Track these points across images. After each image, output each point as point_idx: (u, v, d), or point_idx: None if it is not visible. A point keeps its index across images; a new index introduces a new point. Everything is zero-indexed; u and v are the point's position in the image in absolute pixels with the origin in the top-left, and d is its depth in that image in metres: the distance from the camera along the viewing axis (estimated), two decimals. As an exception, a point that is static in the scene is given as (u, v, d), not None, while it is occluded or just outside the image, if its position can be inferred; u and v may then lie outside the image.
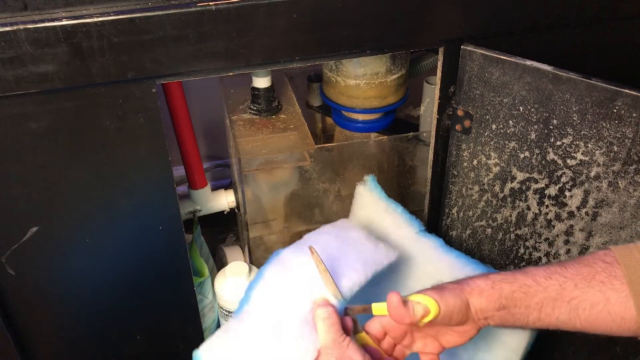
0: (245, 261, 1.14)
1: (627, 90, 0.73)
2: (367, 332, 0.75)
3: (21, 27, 0.66)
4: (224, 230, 1.40)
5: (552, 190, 0.85)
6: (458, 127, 0.90)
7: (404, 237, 0.94)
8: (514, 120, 0.84)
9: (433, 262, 0.92)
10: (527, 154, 0.85)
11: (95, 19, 0.68)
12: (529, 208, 0.88)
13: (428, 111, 1.10)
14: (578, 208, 0.83)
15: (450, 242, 0.99)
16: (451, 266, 0.90)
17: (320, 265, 0.74)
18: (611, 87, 0.74)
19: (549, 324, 0.69)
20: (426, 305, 0.68)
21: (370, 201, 0.97)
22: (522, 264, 0.93)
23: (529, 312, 0.69)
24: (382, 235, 0.94)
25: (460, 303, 0.70)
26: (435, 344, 0.75)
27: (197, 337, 1.01)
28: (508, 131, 0.85)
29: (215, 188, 1.26)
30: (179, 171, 1.17)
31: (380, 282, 0.90)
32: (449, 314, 0.69)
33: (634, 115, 0.73)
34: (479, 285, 0.71)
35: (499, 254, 0.95)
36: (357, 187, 0.99)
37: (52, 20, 0.67)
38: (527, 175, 0.86)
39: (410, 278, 0.94)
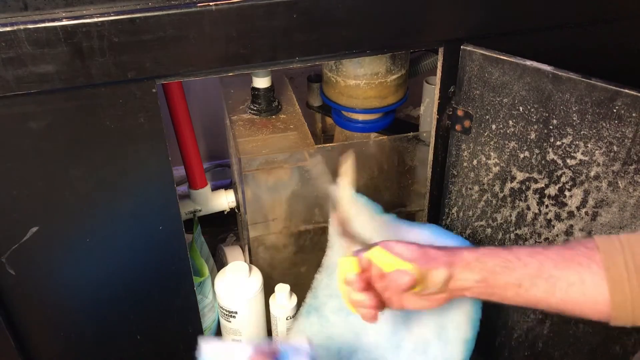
0: (245, 261, 1.14)
1: (627, 90, 0.73)
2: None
3: (21, 27, 0.66)
4: (224, 230, 1.40)
5: (552, 190, 0.85)
6: (458, 127, 0.90)
7: (379, 226, 0.95)
8: (514, 120, 0.84)
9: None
10: (527, 154, 0.85)
11: (96, 19, 0.68)
12: (528, 208, 0.88)
13: (428, 111, 1.10)
14: (578, 208, 0.83)
15: (450, 242, 0.99)
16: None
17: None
18: (611, 87, 0.74)
19: (526, 299, 0.70)
20: (414, 278, 0.70)
21: (347, 201, 0.98)
22: (522, 264, 0.93)
23: (508, 287, 0.71)
24: (362, 228, 0.95)
25: (446, 277, 0.72)
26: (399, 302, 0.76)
27: (197, 337, 1.00)
28: (508, 131, 0.85)
29: (215, 188, 1.26)
30: (179, 171, 1.17)
31: None
32: (431, 287, 0.72)
33: (633, 115, 0.73)
34: (466, 258, 0.72)
35: (498, 254, 0.95)
36: (331, 189, 1.00)
37: (52, 20, 0.67)
38: (527, 175, 0.86)
39: None
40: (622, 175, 0.77)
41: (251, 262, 1.12)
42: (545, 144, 0.82)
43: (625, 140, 0.75)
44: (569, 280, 0.68)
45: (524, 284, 0.70)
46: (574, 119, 0.78)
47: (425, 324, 0.91)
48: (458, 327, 0.88)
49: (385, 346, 0.94)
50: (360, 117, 1.09)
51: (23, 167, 0.76)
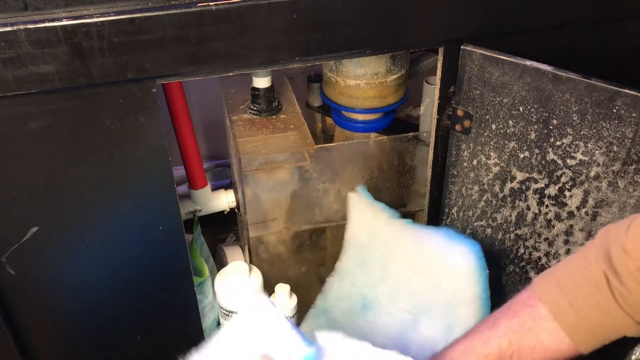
0: (245, 261, 1.14)
1: (627, 90, 0.73)
2: None
3: (21, 27, 0.66)
4: (224, 230, 1.40)
5: (552, 190, 0.85)
6: (458, 127, 0.90)
7: (395, 231, 0.97)
8: (514, 120, 0.84)
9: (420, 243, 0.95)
10: (526, 154, 0.85)
11: (96, 19, 0.68)
12: (528, 208, 0.88)
13: (428, 111, 1.10)
14: (578, 208, 0.83)
15: (450, 242, 0.99)
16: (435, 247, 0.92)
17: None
18: (611, 87, 0.74)
19: None
20: None
21: (364, 207, 1.00)
22: (521, 264, 0.93)
23: None
24: (377, 233, 0.97)
25: None
26: None
27: (197, 337, 1.00)
28: (508, 131, 0.85)
29: (215, 188, 1.26)
30: (179, 171, 1.17)
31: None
32: None
33: (633, 115, 0.73)
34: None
35: (499, 254, 0.95)
36: (349, 195, 1.03)
37: (52, 20, 0.67)
38: (527, 175, 0.86)
39: (396, 264, 0.97)
40: (622, 175, 0.77)
41: (251, 262, 1.12)
42: (545, 144, 0.82)
43: (625, 140, 0.75)
44: (529, 347, 0.69)
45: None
46: (574, 119, 0.78)
47: (434, 325, 0.91)
48: (466, 329, 0.88)
49: (393, 348, 0.94)
50: (360, 117, 1.09)
51: (23, 167, 0.76)
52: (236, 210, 1.24)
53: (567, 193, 0.83)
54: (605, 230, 0.68)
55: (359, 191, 1.02)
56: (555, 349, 0.68)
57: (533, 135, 0.83)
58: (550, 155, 0.82)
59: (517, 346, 0.70)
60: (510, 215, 0.91)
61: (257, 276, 1.05)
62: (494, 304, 0.91)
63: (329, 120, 1.22)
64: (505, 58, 0.81)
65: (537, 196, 0.87)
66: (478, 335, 0.73)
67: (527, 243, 0.91)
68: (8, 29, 0.65)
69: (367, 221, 1.00)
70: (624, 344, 0.72)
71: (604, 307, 0.65)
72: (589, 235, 0.84)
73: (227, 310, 1.05)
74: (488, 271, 0.88)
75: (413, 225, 0.96)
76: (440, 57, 0.85)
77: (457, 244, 0.90)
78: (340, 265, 1.00)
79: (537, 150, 0.83)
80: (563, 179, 0.83)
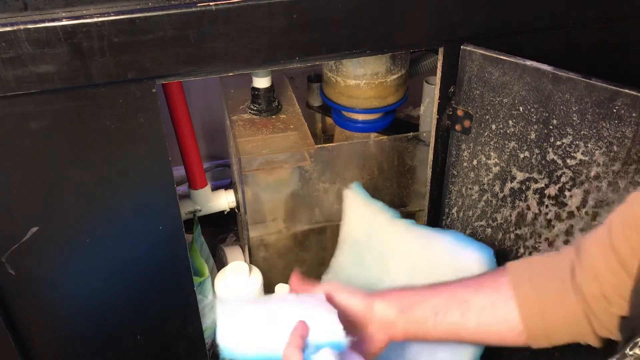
0: (245, 261, 1.14)
1: (626, 90, 0.73)
2: None
3: (21, 27, 0.66)
4: (224, 230, 1.40)
5: (552, 190, 0.85)
6: (458, 127, 0.90)
7: (396, 231, 0.97)
8: (514, 120, 0.84)
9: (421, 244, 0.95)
10: (527, 154, 0.85)
11: (96, 19, 0.68)
12: (528, 208, 0.88)
13: (428, 111, 1.10)
14: (578, 208, 0.83)
15: (450, 242, 0.99)
16: (436, 245, 0.93)
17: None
18: (611, 87, 0.74)
19: (445, 329, 0.73)
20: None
21: (360, 204, 1.00)
22: (522, 264, 0.93)
23: (427, 316, 0.73)
24: (376, 233, 0.97)
25: (362, 305, 0.75)
26: None
27: (197, 337, 1.01)
28: (508, 131, 0.85)
29: (215, 188, 1.26)
30: (179, 171, 1.17)
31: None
32: (350, 315, 0.75)
33: (633, 115, 0.73)
34: (383, 292, 0.77)
35: (498, 254, 0.95)
36: (345, 193, 1.03)
37: (52, 20, 0.67)
38: (527, 175, 0.86)
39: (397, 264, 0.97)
40: (622, 175, 0.77)
41: (251, 262, 1.12)
42: (545, 144, 0.82)
43: (625, 140, 0.75)
44: (480, 304, 0.71)
45: (440, 311, 0.73)
46: (574, 119, 0.78)
47: None
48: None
49: (391, 347, 0.94)
50: (360, 117, 1.09)
51: (23, 167, 0.76)
52: (236, 210, 1.24)
53: (567, 193, 0.83)
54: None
55: (355, 188, 1.01)
56: (503, 318, 0.70)
57: (533, 135, 0.83)
58: (550, 155, 0.82)
59: (470, 297, 0.72)
60: (510, 215, 0.91)
61: (257, 276, 1.05)
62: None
63: (329, 120, 1.22)
64: (505, 58, 0.81)
65: (537, 196, 0.87)
66: (442, 282, 0.76)
67: (527, 243, 0.91)
68: (8, 29, 0.65)
69: (364, 219, 0.99)
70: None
71: (562, 293, 0.66)
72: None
73: (227, 310, 1.05)
74: None
75: (417, 226, 0.96)
76: (440, 57, 0.85)
77: (468, 248, 0.89)
78: (335, 263, 1.00)
79: (537, 150, 0.83)
80: (563, 179, 0.83)
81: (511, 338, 0.70)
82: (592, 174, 0.80)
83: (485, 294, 0.72)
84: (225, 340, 0.71)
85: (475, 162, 0.91)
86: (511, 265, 0.72)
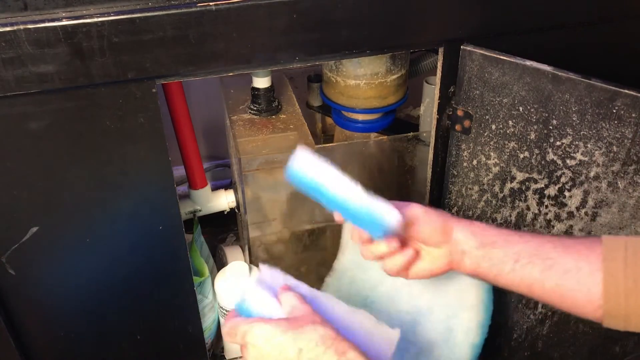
0: (245, 261, 1.14)
1: (626, 91, 0.73)
2: None
3: (21, 27, 0.66)
4: (224, 230, 1.40)
5: (552, 191, 0.85)
6: (458, 127, 0.90)
7: None
8: (514, 121, 0.84)
9: None
10: (526, 154, 0.85)
11: (96, 19, 0.68)
12: (528, 208, 0.88)
13: (428, 111, 1.10)
14: (577, 208, 0.83)
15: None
16: None
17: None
18: (611, 87, 0.74)
19: (521, 277, 0.70)
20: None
21: None
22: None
23: (506, 260, 0.71)
24: None
25: (442, 223, 0.74)
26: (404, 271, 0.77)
27: (197, 337, 1.01)
28: (508, 131, 0.85)
29: (215, 188, 1.26)
30: (179, 171, 1.17)
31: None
32: (429, 228, 0.74)
33: (633, 115, 0.73)
34: (468, 221, 0.75)
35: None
36: None
37: (52, 20, 0.67)
38: (527, 175, 0.86)
39: None
40: (622, 175, 0.77)
41: (251, 262, 1.12)
42: (545, 144, 0.82)
43: (625, 141, 0.75)
44: (565, 266, 0.68)
45: (521, 259, 0.70)
46: (574, 119, 0.78)
47: (434, 328, 0.91)
48: (467, 332, 0.88)
49: None
50: (360, 117, 1.09)
51: (23, 167, 0.76)
52: (236, 210, 1.24)
53: (566, 193, 0.83)
54: None
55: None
56: (584, 288, 0.66)
57: (533, 136, 0.83)
58: (550, 156, 0.82)
59: (557, 256, 0.69)
60: (510, 216, 0.91)
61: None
62: (492, 306, 0.91)
63: (329, 120, 1.22)
64: (505, 58, 0.81)
65: (537, 196, 0.87)
66: (524, 241, 0.72)
67: (527, 243, 0.91)
68: (8, 29, 0.65)
69: None
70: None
71: None
72: (589, 235, 0.84)
73: (227, 311, 1.05)
74: None
75: None
76: (440, 57, 0.85)
77: None
78: (338, 265, 1.00)
79: (536, 151, 0.83)
80: (563, 179, 0.83)
81: (586, 309, 0.67)
82: (592, 174, 0.80)
83: (573, 257, 0.68)
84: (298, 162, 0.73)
85: (475, 162, 0.91)
86: (607, 238, 0.68)
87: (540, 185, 0.85)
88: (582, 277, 0.66)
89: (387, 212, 0.72)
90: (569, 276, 0.67)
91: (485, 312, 0.88)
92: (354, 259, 1.00)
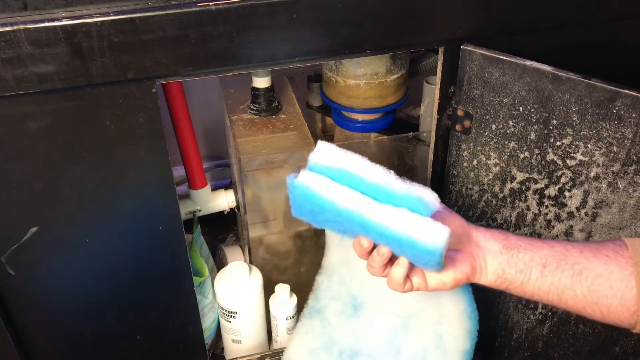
0: (245, 261, 1.14)
1: (626, 91, 0.73)
2: None
3: (21, 27, 0.66)
4: (224, 230, 1.40)
5: (552, 191, 0.85)
6: (458, 127, 0.90)
7: None
8: (514, 121, 0.84)
9: None
10: (526, 154, 0.85)
11: (95, 19, 0.68)
12: (528, 208, 0.88)
13: (428, 111, 1.10)
14: (578, 208, 0.83)
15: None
16: None
17: None
18: (611, 87, 0.74)
19: (551, 283, 0.66)
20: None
21: None
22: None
23: (533, 265, 0.66)
24: None
25: (463, 222, 0.68)
26: (422, 280, 0.69)
27: (197, 337, 1.01)
28: (508, 131, 0.85)
29: (215, 188, 1.26)
30: (179, 171, 1.17)
31: None
32: (452, 226, 0.64)
33: (633, 115, 0.73)
34: (484, 227, 0.69)
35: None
36: None
37: (52, 20, 0.67)
38: (527, 175, 0.86)
39: None
40: (622, 175, 0.77)
41: (251, 262, 1.12)
42: (545, 144, 0.82)
43: (625, 141, 0.75)
44: (596, 271, 0.64)
45: (549, 264, 0.66)
46: (574, 119, 0.78)
47: (424, 332, 0.91)
48: (456, 339, 0.88)
49: (385, 350, 0.94)
50: (360, 117, 1.09)
51: (23, 167, 0.76)
52: (236, 210, 1.24)
53: (567, 193, 0.83)
54: None
55: None
56: (619, 292, 0.63)
57: (533, 136, 0.83)
58: (550, 156, 0.82)
59: (585, 260, 0.65)
60: (510, 216, 0.91)
61: (257, 276, 1.05)
62: (492, 306, 0.91)
63: (329, 120, 1.23)
64: (505, 58, 0.81)
65: (537, 196, 0.86)
66: (549, 246, 0.68)
67: (527, 243, 0.91)
68: (8, 29, 0.65)
69: None
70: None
71: None
72: (589, 236, 0.84)
73: (227, 310, 1.05)
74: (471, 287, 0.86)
75: None
76: (440, 57, 0.85)
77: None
78: (325, 263, 1.00)
79: (537, 151, 0.83)
80: (563, 180, 0.83)
81: (621, 315, 0.64)
82: (592, 174, 0.80)
83: (603, 262, 0.64)
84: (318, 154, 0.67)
85: (475, 162, 0.91)
86: (629, 241, 0.66)
87: (541, 185, 0.85)
88: (615, 281, 0.63)
89: (435, 231, 0.59)
90: (601, 281, 0.64)
91: (470, 320, 0.87)
92: (339, 256, 0.99)
